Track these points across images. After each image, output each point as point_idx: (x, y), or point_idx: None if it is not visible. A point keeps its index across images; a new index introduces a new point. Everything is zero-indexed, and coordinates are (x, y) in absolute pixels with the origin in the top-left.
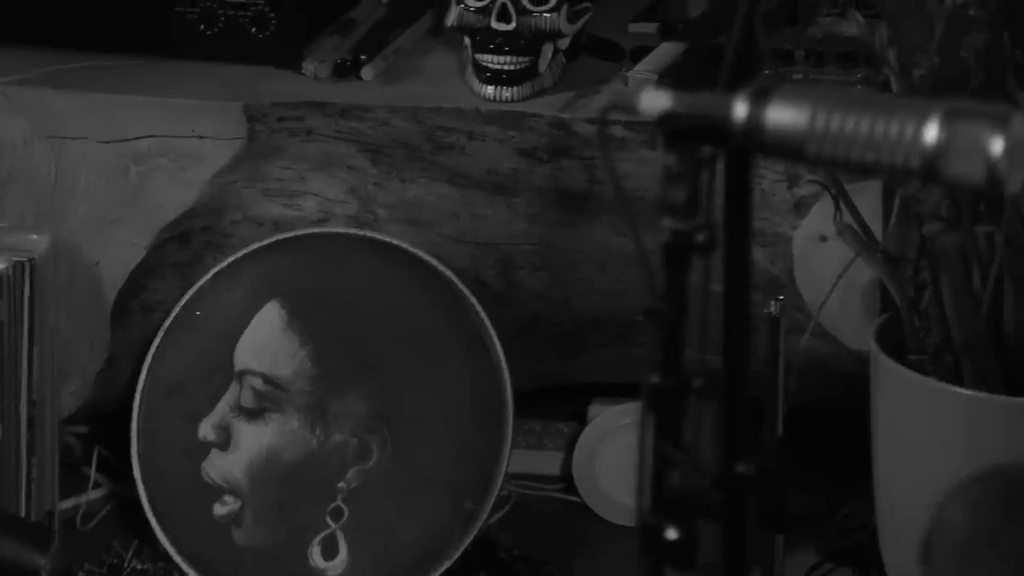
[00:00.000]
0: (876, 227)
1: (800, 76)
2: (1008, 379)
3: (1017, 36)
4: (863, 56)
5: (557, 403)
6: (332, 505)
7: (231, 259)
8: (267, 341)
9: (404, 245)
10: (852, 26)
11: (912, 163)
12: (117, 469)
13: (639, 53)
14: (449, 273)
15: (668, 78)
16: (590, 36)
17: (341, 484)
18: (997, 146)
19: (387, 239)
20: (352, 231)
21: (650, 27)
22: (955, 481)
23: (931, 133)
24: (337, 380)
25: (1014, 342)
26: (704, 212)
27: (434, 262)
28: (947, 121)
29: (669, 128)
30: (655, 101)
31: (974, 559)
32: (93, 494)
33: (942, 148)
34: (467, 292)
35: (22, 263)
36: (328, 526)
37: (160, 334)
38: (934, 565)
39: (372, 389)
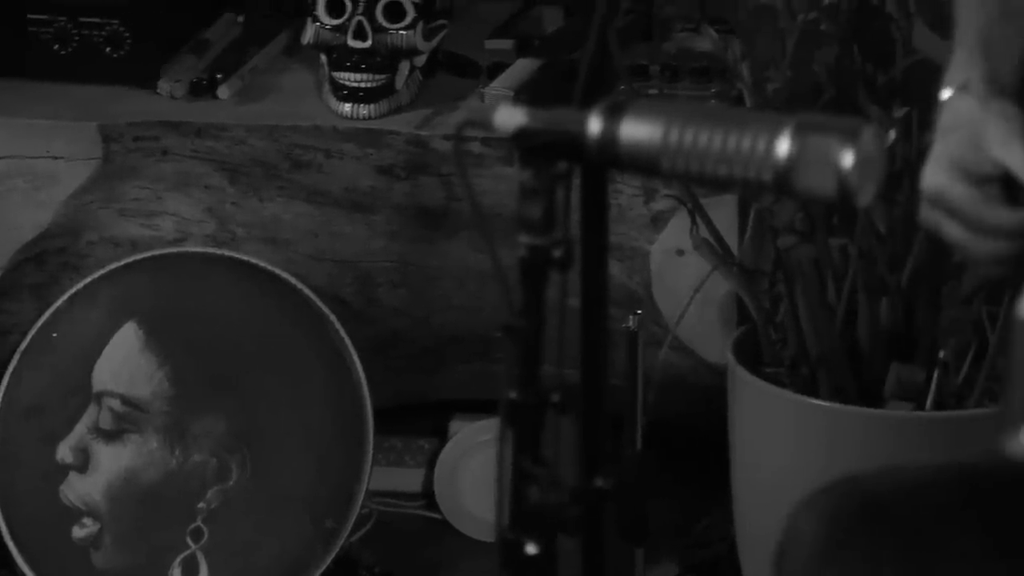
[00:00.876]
0: (732, 240)
1: (655, 91)
2: (863, 390)
3: (867, 50)
4: (717, 71)
5: (417, 420)
6: (192, 526)
7: (88, 280)
8: (125, 362)
9: (262, 264)
10: (706, 41)
11: (765, 177)
12: None
13: (495, 70)
14: (308, 291)
15: (524, 94)
16: (446, 53)
17: (201, 504)
18: (848, 159)
19: (245, 258)
20: (210, 250)
21: (506, 44)
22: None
23: (783, 147)
24: (196, 400)
25: (868, 353)
26: (561, 227)
27: (292, 280)
28: (798, 135)
29: (524, 144)
30: (510, 117)
31: (827, 569)
32: None
33: (794, 162)
34: (326, 310)
35: None
36: (188, 547)
37: (16, 356)
38: (787, 575)
39: (231, 408)
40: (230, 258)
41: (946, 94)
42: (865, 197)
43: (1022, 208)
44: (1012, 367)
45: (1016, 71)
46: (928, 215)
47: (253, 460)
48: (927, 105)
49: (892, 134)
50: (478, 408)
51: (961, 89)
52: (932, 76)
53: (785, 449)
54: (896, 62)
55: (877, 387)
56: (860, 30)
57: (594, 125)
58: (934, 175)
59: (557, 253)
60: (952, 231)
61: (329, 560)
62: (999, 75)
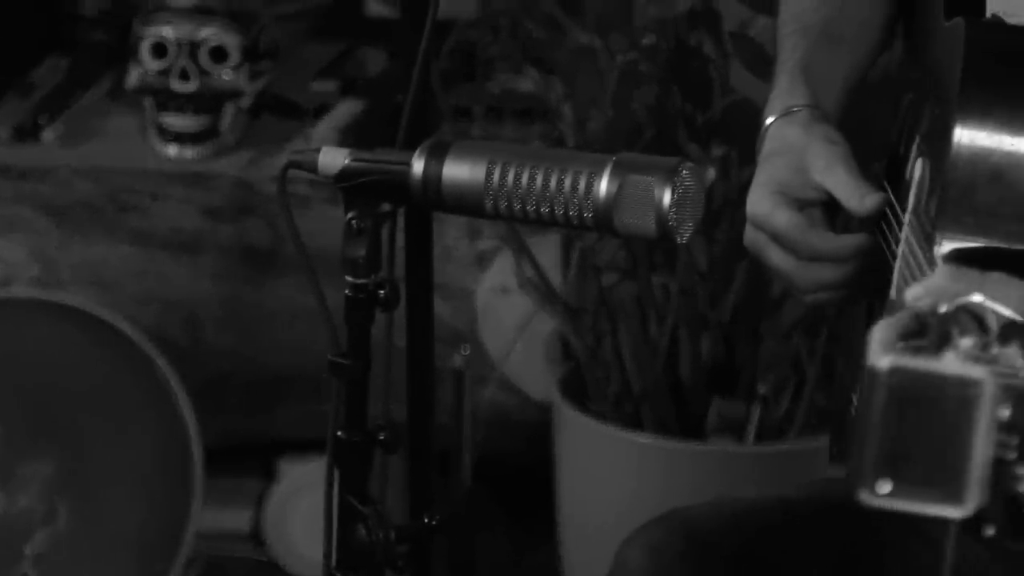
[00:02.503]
0: (556, 278)
1: (479, 132)
2: (686, 424)
3: (686, 90)
4: (539, 111)
5: (247, 460)
6: (19, 572)
7: None
8: None
9: (88, 307)
10: (528, 82)
11: (587, 216)
12: None
13: (320, 111)
14: (134, 333)
15: (348, 135)
16: (271, 95)
17: (28, 549)
18: (667, 197)
19: (70, 301)
20: (34, 294)
21: (330, 85)
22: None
23: (603, 186)
24: (22, 443)
25: (690, 388)
26: (385, 267)
27: (119, 323)
28: (618, 174)
29: (348, 185)
30: (334, 159)
31: None
32: None
33: (614, 200)
34: (153, 352)
35: None
36: None
37: None
38: None
39: (58, 451)
40: (55, 302)
41: (769, 120)
42: (685, 234)
43: (845, 234)
44: (864, 418)
45: (839, 96)
46: (752, 239)
47: (81, 504)
48: (746, 143)
49: (711, 172)
50: (308, 448)
51: (785, 115)
52: (750, 115)
53: (610, 484)
54: (714, 102)
55: (700, 421)
56: (679, 70)
57: (417, 166)
58: (759, 200)
59: (382, 293)
60: (775, 256)
61: None
62: (823, 101)
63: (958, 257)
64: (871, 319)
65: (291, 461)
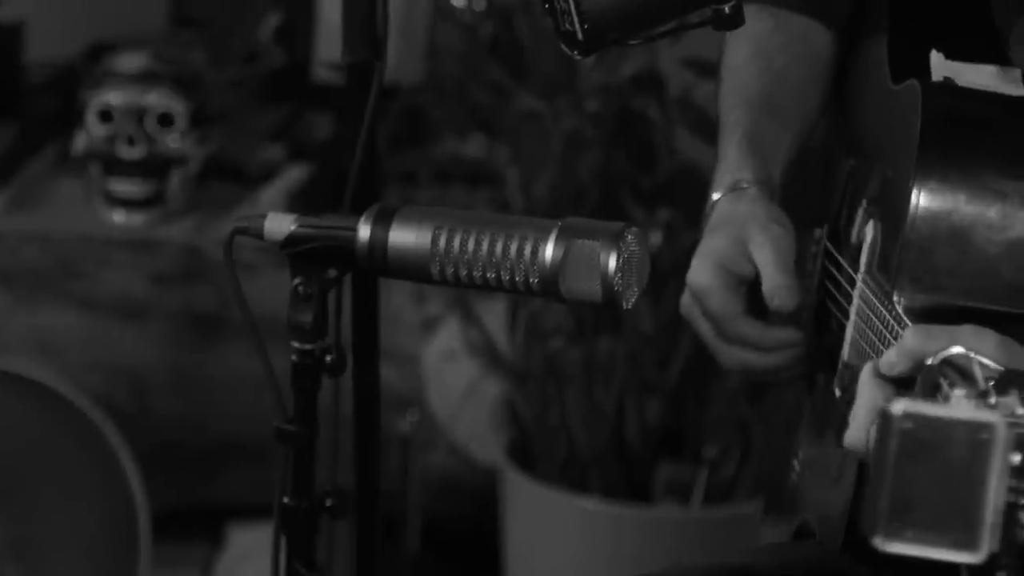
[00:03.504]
0: (503, 343)
1: (425, 197)
2: (633, 488)
3: (632, 154)
4: (486, 176)
5: (194, 526)
6: None
7: None
8: None
9: (35, 374)
10: (475, 146)
11: (533, 281)
12: None
13: (268, 176)
14: (81, 400)
15: (295, 200)
16: (219, 160)
17: None
18: (612, 262)
19: (17, 368)
20: None
21: (278, 150)
22: None
23: (549, 251)
24: None
25: (637, 453)
26: (332, 333)
27: (66, 389)
28: (564, 239)
29: (295, 251)
30: (280, 225)
31: None
32: None
33: (560, 266)
34: (99, 418)
35: None
36: None
37: None
38: None
39: (6, 518)
40: (1, 369)
41: (717, 195)
42: (630, 299)
43: (775, 326)
44: (878, 465)
45: (783, 167)
46: (687, 308)
47: (29, 570)
48: (691, 207)
49: (657, 236)
50: (255, 514)
51: (734, 191)
52: (695, 179)
53: (558, 549)
54: (659, 166)
55: (647, 485)
56: (624, 135)
57: (363, 232)
58: (699, 272)
59: (329, 359)
60: (705, 330)
61: None
62: (770, 175)
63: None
64: (811, 386)
65: (238, 527)
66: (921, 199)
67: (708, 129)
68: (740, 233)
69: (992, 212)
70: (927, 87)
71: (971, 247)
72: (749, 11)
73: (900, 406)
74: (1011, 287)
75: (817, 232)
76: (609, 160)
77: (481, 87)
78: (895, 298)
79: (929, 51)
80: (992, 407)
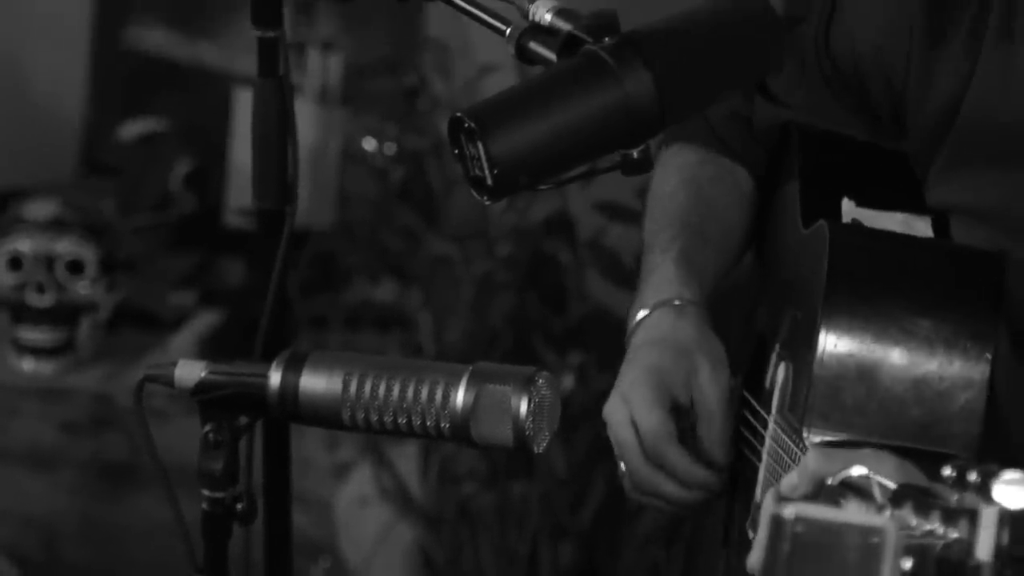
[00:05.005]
0: (416, 488)
1: (337, 342)
2: None
3: (544, 298)
4: (397, 320)
5: None
6: None
7: None
8: None
9: None
10: (386, 291)
11: (444, 426)
12: None
13: (179, 322)
14: None
15: (206, 346)
16: (129, 307)
17: None
18: (523, 407)
19: None
20: None
21: (189, 296)
22: None
23: (460, 396)
24: None
25: None
26: (243, 480)
27: None
28: (475, 384)
29: (205, 398)
30: (191, 372)
31: None
32: None
33: (471, 411)
34: (9, 568)
35: None
36: None
37: None
38: None
39: None
40: None
41: (649, 306)
42: (542, 443)
43: (699, 465)
44: (769, 570)
45: (712, 284)
46: (616, 416)
47: None
48: (603, 350)
49: (568, 380)
50: None
51: (676, 306)
52: (606, 322)
53: None
54: (571, 309)
55: None
56: (536, 278)
57: (274, 378)
58: (640, 386)
59: (240, 506)
60: (627, 442)
61: None
62: (704, 295)
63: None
64: (727, 535)
65: None
66: (829, 338)
67: (619, 272)
68: (687, 361)
69: (899, 351)
70: (835, 228)
71: (878, 385)
72: (677, 145)
73: (792, 510)
74: (918, 425)
75: (731, 381)
76: (521, 304)
77: (392, 232)
78: (805, 434)
79: (840, 199)
80: (884, 513)
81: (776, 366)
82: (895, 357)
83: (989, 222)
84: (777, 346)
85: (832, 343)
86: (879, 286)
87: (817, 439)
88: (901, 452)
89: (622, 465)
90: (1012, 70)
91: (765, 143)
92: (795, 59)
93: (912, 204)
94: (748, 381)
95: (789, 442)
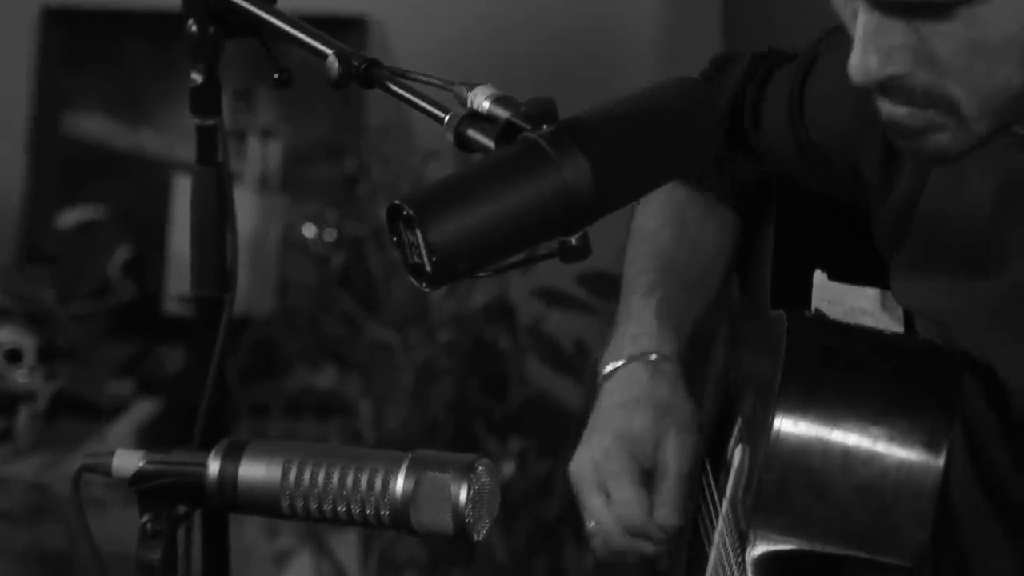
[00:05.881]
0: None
1: (277, 429)
2: None
3: (484, 384)
4: (338, 407)
5: None
6: None
7: None
8: None
9: None
10: (326, 378)
11: (384, 514)
12: None
13: (117, 411)
14: None
15: (145, 435)
16: (68, 395)
17: None
18: (463, 495)
19: None
20: None
21: (128, 384)
22: None
23: (399, 484)
24: None
25: None
26: (182, 570)
27: None
28: (414, 471)
29: (143, 488)
30: (128, 462)
31: None
32: None
33: (410, 498)
34: None
35: None
36: None
37: None
38: None
39: None
40: None
41: (617, 363)
42: (481, 531)
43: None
44: None
45: (691, 333)
46: (584, 478)
47: None
48: (543, 436)
49: (509, 466)
50: None
51: (648, 360)
52: (547, 408)
53: None
54: (511, 396)
55: None
56: (476, 365)
57: (213, 467)
58: (612, 451)
59: None
60: (594, 506)
61: None
62: (682, 348)
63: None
64: None
65: None
66: (779, 440)
67: (559, 358)
68: (658, 425)
69: (850, 455)
70: (794, 320)
71: (827, 489)
72: None
73: None
74: (866, 531)
75: (699, 447)
76: (461, 390)
77: (333, 318)
78: (750, 538)
79: (812, 270)
80: None
81: (736, 443)
82: (846, 461)
83: (944, 327)
84: (740, 419)
85: (782, 443)
86: (834, 386)
87: (760, 551)
88: (849, 562)
89: (590, 524)
90: (962, 178)
91: (748, 192)
92: (777, 113)
93: (887, 279)
94: (711, 443)
95: (730, 547)
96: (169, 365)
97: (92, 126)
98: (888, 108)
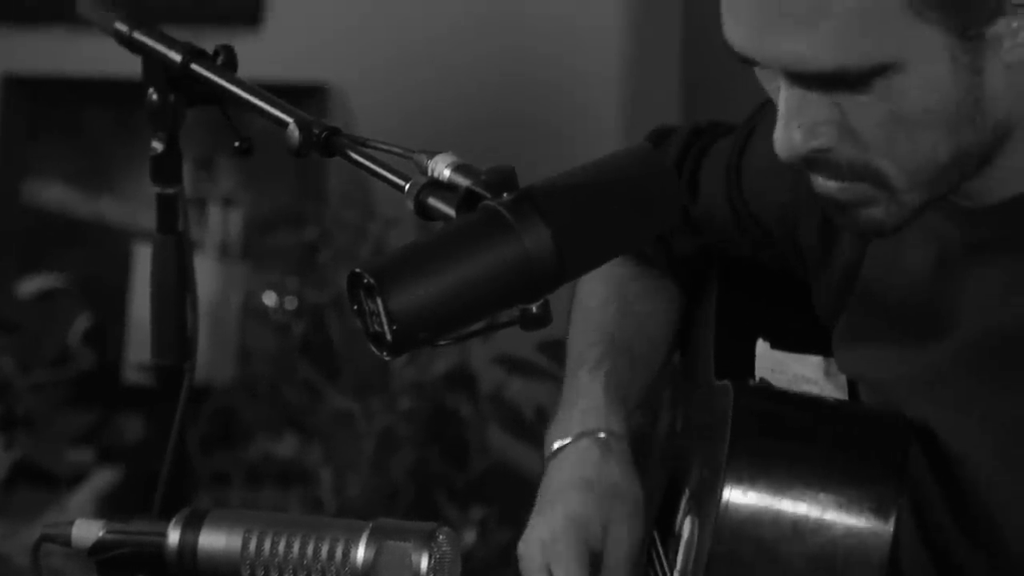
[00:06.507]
0: None
1: (237, 498)
2: None
3: (445, 452)
4: (298, 476)
5: None
6: None
7: None
8: None
9: None
10: (287, 447)
11: None
12: None
13: (77, 480)
14: None
15: (105, 505)
16: (27, 464)
17: None
18: (423, 563)
19: None
20: None
21: (88, 453)
22: None
23: (360, 553)
24: None
25: None
26: None
27: None
28: (375, 540)
29: (103, 558)
30: (88, 532)
31: None
32: None
33: (371, 567)
34: None
35: None
36: None
37: None
38: None
39: None
40: None
41: (566, 440)
42: None
43: None
44: None
45: (637, 405)
46: (534, 561)
47: None
48: (504, 504)
49: (470, 534)
50: None
51: (596, 437)
52: (508, 476)
53: None
54: (472, 464)
55: None
56: (437, 433)
57: (172, 537)
58: (561, 536)
59: None
60: None
61: None
62: (629, 424)
63: None
64: None
65: None
66: (728, 511)
67: (520, 426)
68: (607, 508)
69: (798, 526)
70: (739, 391)
71: (778, 560)
72: None
73: None
74: None
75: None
76: (422, 458)
77: (293, 387)
78: None
79: (755, 339)
80: None
81: (685, 515)
82: (796, 531)
83: (887, 394)
84: (687, 491)
85: (732, 515)
86: (781, 456)
87: None
88: None
89: None
90: (901, 249)
91: (688, 264)
92: (715, 187)
93: (829, 347)
94: (660, 516)
95: None
96: (129, 434)
97: (53, 194)
98: (820, 183)
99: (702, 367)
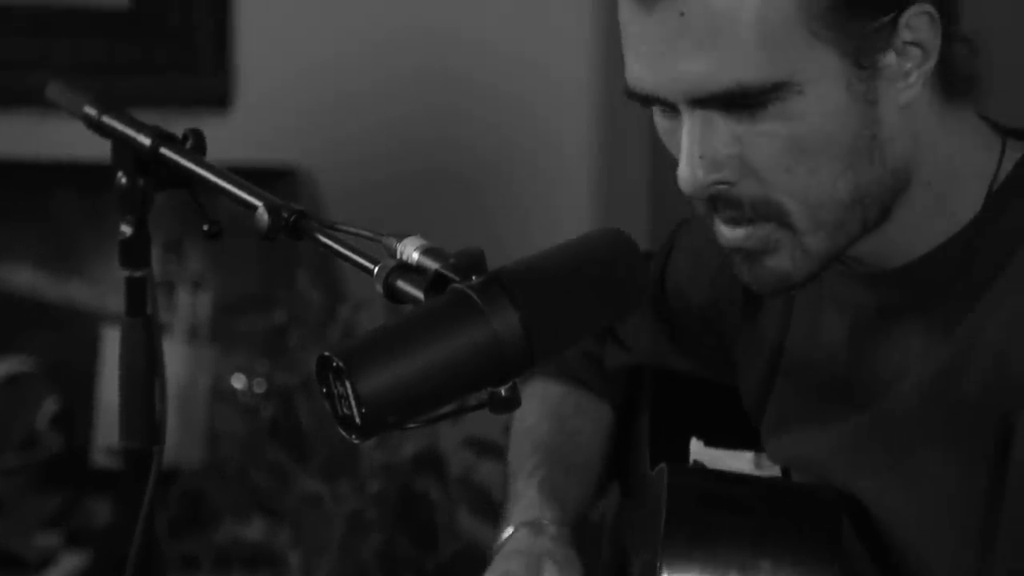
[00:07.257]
0: None
1: None
2: None
3: (415, 536)
4: (267, 559)
5: None
6: None
7: None
8: None
9: None
10: (256, 530)
11: None
12: None
13: (44, 564)
14: None
15: None
16: None
17: None
18: None
19: None
20: None
21: (55, 537)
22: None
23: None
24: None
25: None
26: None
27: None
28: None
29: None
30: None
31: None
32: None
33: None
34: None
35: None
36: None
37: None
38: None
39: None
40: None
41: (510, 528)
42: None
43: None
44: None
45: (576, 511)
46: None
47: None
48: None
49: None
50: None
51: (534, 525)
52: (477, 559)
53: None
54: (442, 547)
55: None
56: (406, 516)
57: None
58: None
59: None
60: None
61: None
62: (567, 520)
63: None
64: None
65: None
66: None
67: (489, 509)
68: (536, 566)
69: None
70: (674, 471)
71: None
72: (539, 380)
73: None
74: None
75: None
76: (391, 541)
77: (262, 470)
78: None
79: (689, 438)
80: None
81: None
82: None
83: (816, 473)
84: None
85: None
86: (718, 530)
87: None
88: None
89: None
90: (818, 321)
91: (619, 381)
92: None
93: (760, 443)
94: None
95: None
96: (98, 517)
97: (21, 278)
98: (726, 235)
99: (641, 475)
